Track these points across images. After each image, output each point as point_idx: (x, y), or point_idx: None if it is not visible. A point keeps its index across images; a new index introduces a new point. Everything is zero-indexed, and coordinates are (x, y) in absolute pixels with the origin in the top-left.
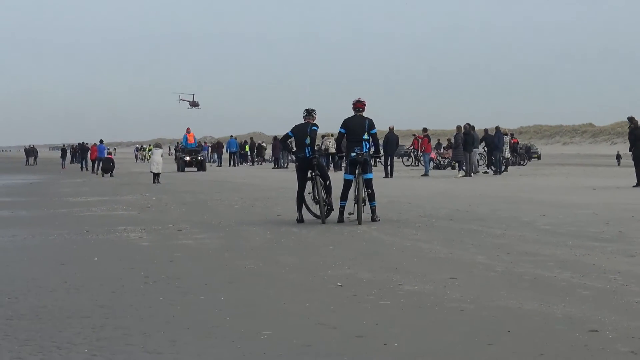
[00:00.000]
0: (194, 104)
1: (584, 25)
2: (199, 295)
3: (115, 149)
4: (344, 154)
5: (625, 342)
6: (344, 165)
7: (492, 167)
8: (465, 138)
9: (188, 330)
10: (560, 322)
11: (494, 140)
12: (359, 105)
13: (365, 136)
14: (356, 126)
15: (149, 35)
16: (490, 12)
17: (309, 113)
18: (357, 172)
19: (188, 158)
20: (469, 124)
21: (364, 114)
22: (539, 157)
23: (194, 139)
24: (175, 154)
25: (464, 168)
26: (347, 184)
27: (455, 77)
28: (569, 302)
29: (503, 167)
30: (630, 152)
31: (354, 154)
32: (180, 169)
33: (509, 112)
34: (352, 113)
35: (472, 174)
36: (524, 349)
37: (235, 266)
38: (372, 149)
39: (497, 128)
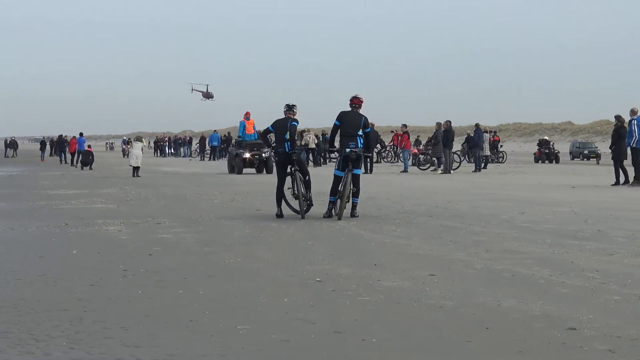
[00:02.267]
0: (207, 95)
1: (563, 23)
2: (178, 289)
3: (112, 142)
4: (336, 148)
5: (602, 340)
6: (330, 157)
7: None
8: (446, 135)
9: (166, 324)
10: (539, 319)
11: (474, 138)
12: (355, 102)
13: (360, 132)
14: (352, 121)
15: (132, 24)
16: (468, 8)
17: (290, 108)
18: (348, 168)
19: (248, 155)
20: (449, 121)
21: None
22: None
23: (254, 129)
24: (227, 150)
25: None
26: (337, 180)
27: (435, 73)
28: (547, 299)
29: (483, 164)
30: (610, 150)
31: (348, 149)
32: (237, 170)
33: (489, 109)
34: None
35: (451, 171)
36: (502, 346)
37: (215, 261)
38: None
39: (477, 125)
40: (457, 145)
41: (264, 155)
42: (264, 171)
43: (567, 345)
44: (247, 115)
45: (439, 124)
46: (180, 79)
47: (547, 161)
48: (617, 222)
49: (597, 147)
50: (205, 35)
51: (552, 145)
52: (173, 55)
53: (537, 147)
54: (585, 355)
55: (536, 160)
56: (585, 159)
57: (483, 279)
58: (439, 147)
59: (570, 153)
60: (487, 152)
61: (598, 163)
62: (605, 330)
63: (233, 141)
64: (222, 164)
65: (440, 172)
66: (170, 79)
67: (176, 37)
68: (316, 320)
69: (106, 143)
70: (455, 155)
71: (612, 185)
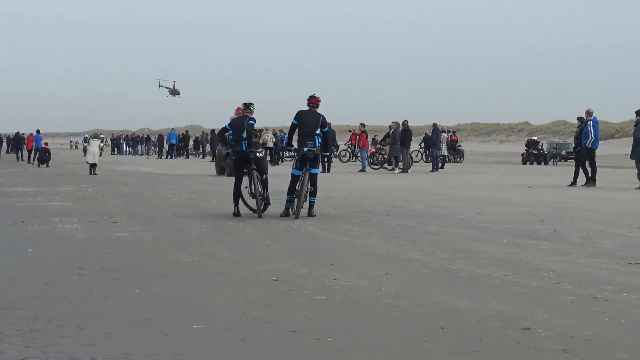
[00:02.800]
0: (174, 91)
1: (519, 24)
2: (134, 288)
3: (77, 141)
4: (294, 147)
5: (557, 340)
6: (289, 156)
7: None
8: (404, 135)
9: (122, 323)
10: (494, 319)
11: (431, 137)
12: (313, 101)
13: (318, 131)
14: (310, 120)
15: (93, 19)
16: (425, 6)
17: (247, 107)
18: (305, 167)
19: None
20: (406, 121)
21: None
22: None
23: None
24: (213, 149)
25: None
26: (295, 179)
27: (392, 73)
28: (502, 299)
29: (440, 164)
30: (574, 152)
31: (306, 149)
32: (229, 171)
33: (447, 109)
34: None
35: (409, 171)
36: (458, 345)
37: (171, 259)
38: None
39: (435, 125)
40: (414, 145)
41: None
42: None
43: (521, 345)
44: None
45: (395, 124)
46: (145, 76)
47: (535, 162)
48: (573, 222)
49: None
50: (171, 31)
51: (542, 146)
52: (139, 53)
53: (525, 148)
54: (540, 355)
55: (524, 162)
56: (562, 160)
57: (439, 279)
58: (396, 146)
59: (547, 154)
60: (445, 152)
61: None
62: (560, 330)
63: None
64: (181, 162)
65: (397, 171)
66: (135, 76)
67: (141, 34)
68: (272, 319)
69: (70, 141)
70: (412, 155)
71: (568, 185)
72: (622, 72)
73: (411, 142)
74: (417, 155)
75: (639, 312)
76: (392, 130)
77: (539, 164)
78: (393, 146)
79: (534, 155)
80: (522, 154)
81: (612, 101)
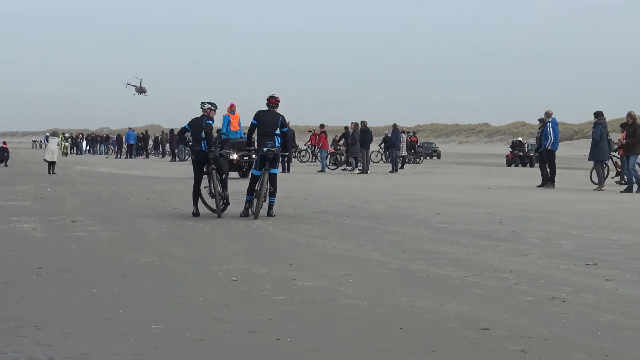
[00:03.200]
0: (140, 89)
1: (479, 25)
2: (92, 288)
3: (41, 140)
4: (253, 147)
5: (515, 341)
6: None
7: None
8: (363, 135)
9: (80, 323)
10: (452, 319)
11: (391, 138)
12: (272, 101)
13: (277, 131)
14: (269, 120)
15: (55, 15)
16: (386, 5)
17: (209, 106)
18: (265, 167)
19: (236, 156)
20: (365, 122)
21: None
22: (438, 156)
23: (240, 125)
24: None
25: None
26: (255, 179)
27: (351, 72)
28: (461, 300)
29: (400, 165)
30: (537, 154)
31: (266, 149)
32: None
33: (407, 110)
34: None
35: (368, 171)
36: (416, 346)
37: (130, 259)
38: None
39: (394, 126)
40: (374, 146)
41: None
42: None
43: (480, 346)
44: (231, 109)
45: (354, 124)
46: (109, 74)
47: (520, 165)
48: (531, 223)
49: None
50: (136, 29)
51: (527, 148)
52: (104, 50)
53: (509, 150)
54: (498, 356)
55: (508, 164)
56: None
57: (398, 279)
58: (355, 147)
59: (532, 156)
60: (405, 153)
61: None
62: (518, 330)
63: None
64: (140, 162)
65: (357, 172)
66: (95, 74)
67: (107, 32)
68: (231, 319)
69: (33, 141)
70: (372, 155)
71: (537, 186)
72: (581, 74)
73: (371, 142)
74: (376, 156)
75: (597, 313)
76: (352, 130)
77: (524, 165)
78: (352, 147)
79: (519, 157)
80: (507, 156)
81: (571, 103)
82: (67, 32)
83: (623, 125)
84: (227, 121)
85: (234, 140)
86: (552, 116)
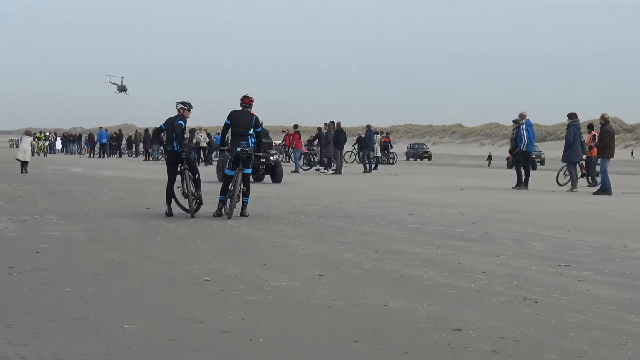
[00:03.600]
0: (121, 88)
1: (454, 25)
2: (65, 287)
3: (18, 139)
4: (227, 147)
5: (487, 341)
6: (217, 157)
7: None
8: (337, 136)
9: (52, 323)
10: (425, 320)
11: (365, 139)
12: (246, 101)
13: (251, 131)
14: (243, 120)
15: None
16: (360, 5)
17: (183, 106)
18: (238, 167)
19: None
20: (339, 122)
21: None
22: (429, 158)
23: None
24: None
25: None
26: (228, 179)
27: (327, 74)
28: (434, 300)
29: (373, 165)
30: (511, 154)
31: (239, 149)
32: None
33: (381, 110)
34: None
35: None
36: (389, 346)
37: (102, 259)
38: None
39: (368, 127)
40: (347, 146)
41: (272, 158)
42: (272, 179)
43: (452, 346)
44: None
45: (327, 125)
46: (86, 73)
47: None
48: (504, 224)
49: (541, 151)
50: (116, 27)
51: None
52: (82, 48)
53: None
54: (470, 356)
55: (509, 166)
56: (541, 164)
57: (371, 280)
58: (329, 147)
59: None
60: (378, 153)
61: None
62: (490, 331)
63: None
64: (114, 161)
65: (330, 172)
66: (75, 73)
67: (85, 29)
68: (204, 319)
69: (9, 140)
70: (345, 156)
71: (513, 187)
72: (554, 76)
73: (345, 143)
74: (350, 157)
75: (569, 314)
76: (325, 131)
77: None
78: (326, 147)
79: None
80: (507, 158)
81: (544, 104)
82: (44, 29)
83: (590, 127)
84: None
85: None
86: (527, 118)
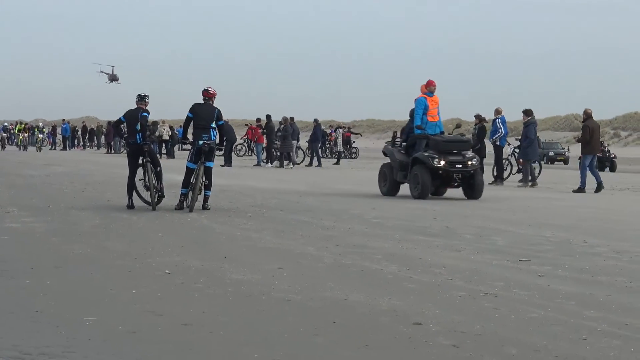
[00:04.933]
0: (112, 77)
1: (416, 21)
2: (25, 280)
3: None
4: (189, 140)
5: (447, 335)
6: (185, 148)
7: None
8: (294, 129)
9: (12, 315)
10: (385, 314)
11: (315, 133)
12: (207, 95)
13: (213, 124)
14: (205, 113)
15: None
16: (322, 3)
17: (142, 98)
18: (200, 160)
19: (442, 163)
20: (293, 117)
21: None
22: (565, 161)
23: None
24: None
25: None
26: (190, 172)
27: (289, 69)
28: (394, 294)
29: (335, 160)
30: (473, 150)
31: (202, 142)
32: (422, 190)
33: (344, 105)
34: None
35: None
36: (349, 340)
37: (63, 251)
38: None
39: (316, 121)
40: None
41: (470, 164)
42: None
43: (412, 340)
44: (430, 87)
45: (285, 119)
46: (80, 62)
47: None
48: (465, 219)
49: (564, 148)
50: (107, 16)
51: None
52: (73, 38)
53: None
54: (430, 350)
55: None
56: (550, 162)
57: (332, 273)
58: (288, 141)
59: None
60: (340, 148)
61: (567, 164)
62: (450, 325)
63: (397, 138)
64: (76, 154)
65: (291, 166)
66: (45, 62)
67: (74, 20)
68: (164, 312)
69: None
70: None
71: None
72: (511, 74)
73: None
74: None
75: (528, 308)
76: (282, 125)
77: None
78: (284, 141)
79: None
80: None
81: (501, 102)
82: (30, 17)
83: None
84: (422, 106)
85: (436, 137)
86: (502, 114)
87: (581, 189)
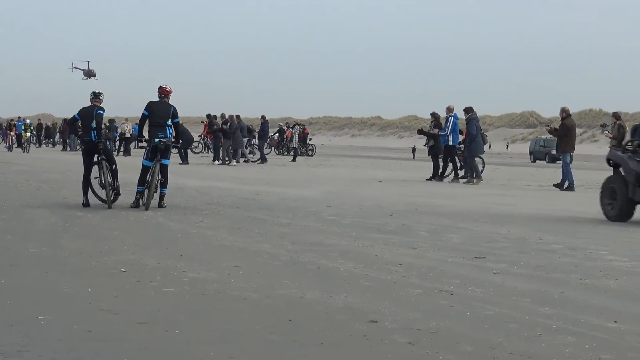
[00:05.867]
0: (89, 73)
1: (371, 17)
2: None
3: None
4: (144, 137)
5: (403, 333)
6: (141, 145)
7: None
8: (242, 126)
9: None
10: (341, 312)
11: (263, 129)
12: (162, 92)
13: (169, 122)
14: (160, 111)
15: None
16: (284, 6)
17: (96, 96)
18: (156, 158)
19: None
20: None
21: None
22: None
23: None
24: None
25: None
26: (146, 170)
27: (246, 66)
28: (350, 292)
29: (292, 158)
30: (426, 147)
31: (157, 139)
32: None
33: (300, 103)
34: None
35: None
36: (305, 337)
37: (18, 249)
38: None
39: (263, 117)
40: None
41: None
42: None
43: (368, 338)
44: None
45: (231, 117)
46: (57, 58)
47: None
48: (421, 216)
49: None
50: (81, 10)
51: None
52: (44, 33)
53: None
54: (386, 348)
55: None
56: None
57: (288, 271)
58: (237, 137)
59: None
60: (296, 145)
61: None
62: (406, 323)
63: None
64: (31, 152)
65: (243, 162)
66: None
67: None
68: (120, 310)
69: None
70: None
71: (426, 180)
72: (470, 69)
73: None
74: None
75: (484, 306)
76: (229, 123)
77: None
78: (235, 137)
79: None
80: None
81: (461, 98)
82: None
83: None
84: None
85: None
86: (454, 111)
87: (570, 187)
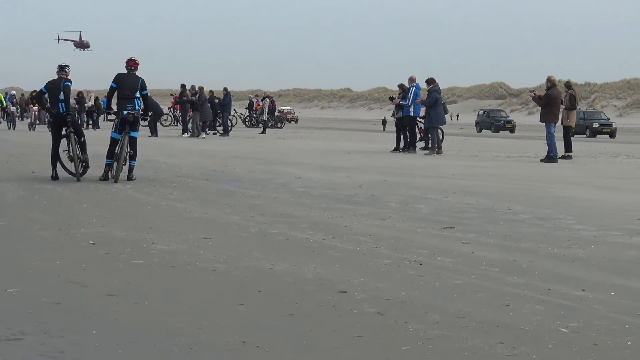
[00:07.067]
0: (81, 44)
1: None
2: None
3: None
4: (113, 110)
5: (372, 303)
6: (110, 118)
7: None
8: (211, 100)
9: None
10: (310, 282)
11: (224, 100)
12: (131, 64)
13: (137, 94)
14: (129, 83)
15: None
16: None
17: (62, 69)
18: (125, 130)
19: None
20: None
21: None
22: (512, 130)
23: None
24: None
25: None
26: (114, 142)
27: (214, 36)
28: (319, 263)
29: (261, 130)
30: (394, 118)
31: (126, 112)
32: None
33: (270, 75)
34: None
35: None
36: (274, 309)
37: None
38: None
39: (225, 89)
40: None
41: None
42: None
43: (337, 308)
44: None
45: (201, 88)
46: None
47: None
48: (390, 187)
49: (609, 118)
50: None
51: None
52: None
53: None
54: (355, 318)
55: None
56: (592, 135)
57: (257, 243)
58: (206, 109)
59: (478, 124)
60: (266, 117)
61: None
62: (375, 293)
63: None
64: None
65: (211, 135)
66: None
67: None
68: (88, 283)
69: None
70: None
71: (390, 151)
72: (440, 41)
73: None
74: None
75: (453, 275)
76: (198, 95)
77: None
78: (204, 109)
79: None
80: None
81: (430, 69)
82: None
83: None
84: None
85: None
86: (416, 82)
87: (552, 158)
